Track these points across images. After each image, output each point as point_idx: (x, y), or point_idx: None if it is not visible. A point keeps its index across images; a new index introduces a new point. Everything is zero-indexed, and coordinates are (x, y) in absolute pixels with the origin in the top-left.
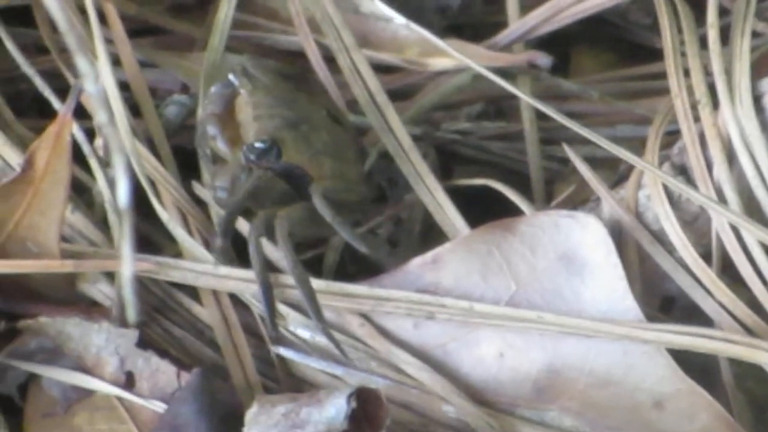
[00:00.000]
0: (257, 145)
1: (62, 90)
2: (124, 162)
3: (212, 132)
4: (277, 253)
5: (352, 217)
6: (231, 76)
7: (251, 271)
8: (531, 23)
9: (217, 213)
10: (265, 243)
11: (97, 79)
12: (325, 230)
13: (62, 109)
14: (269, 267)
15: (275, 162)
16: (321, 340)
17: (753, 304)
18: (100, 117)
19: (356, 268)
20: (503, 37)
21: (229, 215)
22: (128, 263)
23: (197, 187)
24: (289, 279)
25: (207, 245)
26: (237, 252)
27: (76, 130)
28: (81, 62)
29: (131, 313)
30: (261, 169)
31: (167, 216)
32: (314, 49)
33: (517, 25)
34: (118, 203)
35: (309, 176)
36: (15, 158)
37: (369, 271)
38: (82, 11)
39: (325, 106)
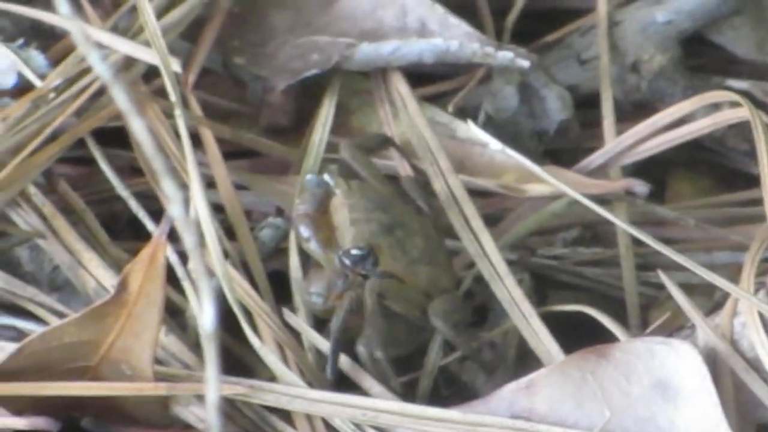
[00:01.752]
0: (354, 252)
1: (157, 212)
2: (208, 287)
3: (305, 234)
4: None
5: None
6: (326, 176)
7: (343, 395)
8: (627, 143)
9: (308, 338)
10: None
11: (187, 203)
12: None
13: (156, 231)
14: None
15: (372, 270)
16: None
17: None
18: (187, 241)
19: (450, 391)
20: (598, 157)
21: (336, 336)
22: (213, 388)
23: (289, 315)
24: (385, 403)
25: (300, 371)
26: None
27: (170, 253)
28: (168, 186)
29: None
30: (357, 276)
31: (259, 342)
32: (408, 172)
33: (613, 145)
34: (204, 328)
35: (407, 287)
36: (109, 280)
37: (462, 396)
38: (178, 135)
39: (415, 205)
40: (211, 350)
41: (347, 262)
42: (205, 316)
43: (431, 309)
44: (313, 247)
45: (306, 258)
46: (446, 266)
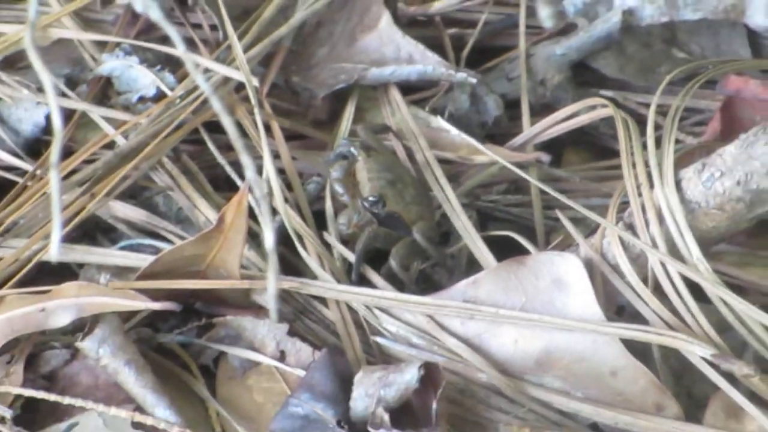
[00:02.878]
0: (371, 198)
1: (244, 174)
2: (270, 221)
3: (340, 190)
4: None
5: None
6: (352, 148)
7: (358, 288)
8: (537, 130)
9: (338, 251)
10: None
11: (261, 168)
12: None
13: (242, 185)
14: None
15: (382, 210)
16: (403, 333)
17: (673, 311)
18: (257, 192)
19: (425, 285)
20: (519, 139)
21: (362, 247)
22: (272, 285)
23: (326, 236)
24: (383, 293)
25: (332, 273)
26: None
27: (251, 199)
28: (243, 158)
29: (273, 315)
30: (372, 213)
31: (306, 254)
32: (401, 149)
33: (528, 133)
34: (266, 246)
35: (404, 220)
36: (212, 216)
37: (434, 288)
38: (257, 125)
39: (409, 167)
40: (272, 260)
41: (366, 204)
42: (266, 238)
43: (415, 229)
44: (344, 198)
45: (338, 204)
46: (428, 205)
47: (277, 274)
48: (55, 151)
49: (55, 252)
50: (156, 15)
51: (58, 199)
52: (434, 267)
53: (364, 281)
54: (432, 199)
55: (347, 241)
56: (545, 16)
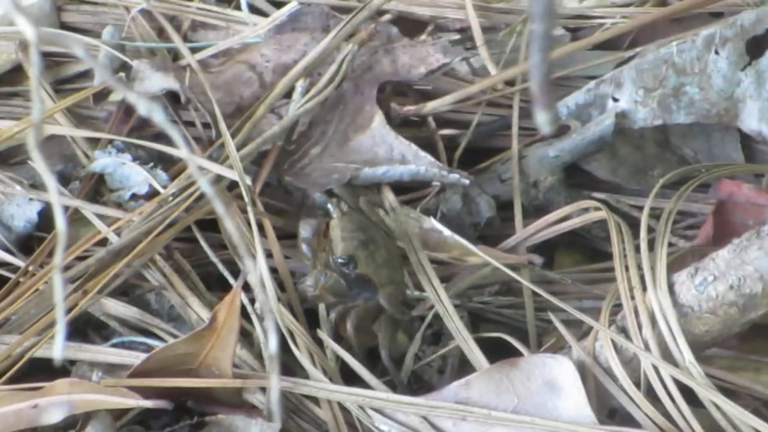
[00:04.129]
0: (341, 260)
1: (236, 272)
2: (273, 320)
3: (306, 251)
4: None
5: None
6: (329, 205)
7: (351, 388)
8: (529, 232)
9: (330, 348)
10: None
11: (255, 267)
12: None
13: (235, 285)
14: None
15: (352, 271)
16: None
17: (666, 414)
18: (258, 292)
19: (417, 386)
20: (511, 241)
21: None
22: (275, 383)
23: (320, 334)
24: (376, 393)
25: (325, 372)
26: (344, 375)
27: (244, 298)
28: (246, 258)
29: (276, 416)
30: (342, 275)
31: (299, 353)
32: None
33: (520, 234)
34: (269, 346)
35: (373, 282)
36: (205, 314)
37: (425, 389)
38: (249, 223)
39: (383, 228)
40: (274, 361)
41: (336, 265)
42: (270, 339)
43: (381, 293)
44: (308, 262)
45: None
46: (399, 268)
47: (278, 375)
48: (59, 253)
49: (59, 352)
50: (159, 118)
51: (62, 301)
52: (425, 367)
53: (355, 380)
54: (403, 262)
55: (313, 307)
56: (543, 121)
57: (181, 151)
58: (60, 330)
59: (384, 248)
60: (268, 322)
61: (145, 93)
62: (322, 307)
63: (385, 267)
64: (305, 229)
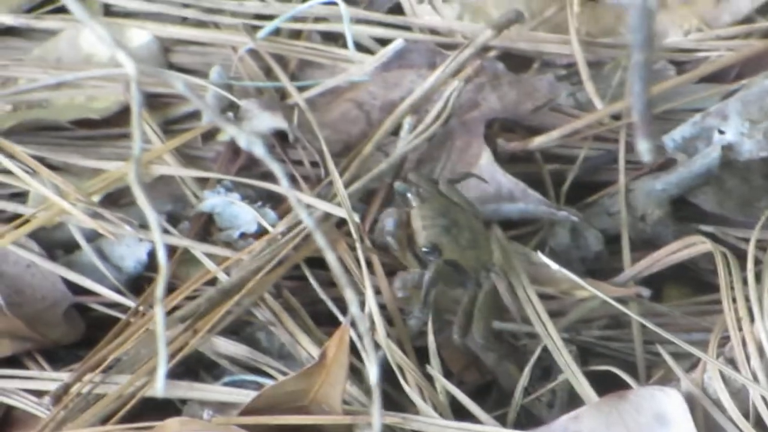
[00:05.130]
0: (424, 249)
1: (345, 309)
2: (373, 356)
3: (391, 242)
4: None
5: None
6: (409, 194)
7: (461, 422)
8: (638, 269)
9: (440, 384)
10: None
11: (363, 303)
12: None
13: (344, 320)
14: None
15: (438, 259)
16: None
17: None
18: (361, 327)
19: (528, 420)
20: (621, 277)
21: (426, 297)
22: (377, 421)
23: (429, 370)
24: (486, 428)
25: (435, 407)
26: (453, 411)
27: (353, 334)
28: (347, 293)
29: None
30: (429, 264)
31: (409, 389)
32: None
33: (630, 270)
34: (371, 380)
35: (461, 266)
36: (314, 351)
37: (537, 424)
38: (358, 261)
39: (466, 208)
40: (375, 395)
41: (422, 256)
42: (371, 373)
43: (475, 330)
44: (396, 253)
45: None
46: (485, 246)
47: (381, 409)
48: (159, 287)
49: (161, 387)
50: (260, 151)
51: (162, 334)
52: (536, 402)
53: (465, 415)
54: (489, 238)
55: (402, 309)
56: (644, 150)
57: (282, 186)
58: (161, 364)
59: (467, 229)
60: (370, 357)
61: (254, 132)
62: (431, 343)
63: (470, 248)
64: (388, 222)
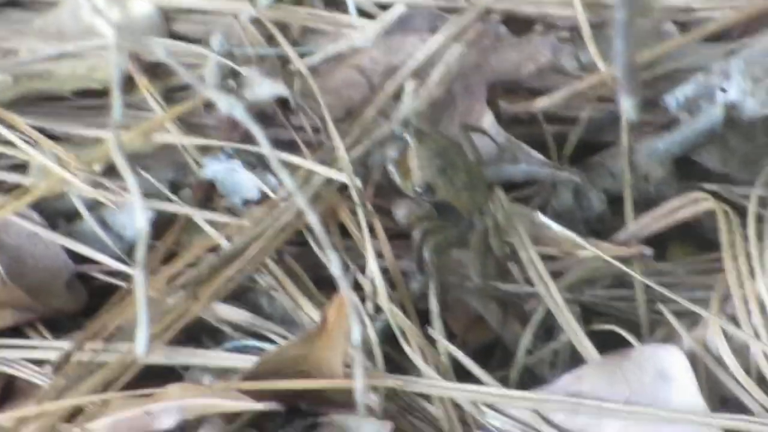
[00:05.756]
0: (418, 189)
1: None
2: (355, 311)
3: (392, 170)
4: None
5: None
6: (406, 134)
7: (463, 384)
8: (640, 225)
9: (442, 346)
10: None
11: (364, 269)
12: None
13: (344, 283)
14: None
15: (432, 198)
16: (509, 428)
17: None
18: (344, 288)
19: (531, 381)
20: (623, 235)
21: (420, 260)
22: (359, 384)
23: (431, 332)
24: (488, 389)
25: (437, 369)
26: (456, 373)
27: (355, 297)
28: (330, 255)
29: (379, 413)
30: (422, 202)
31: (410, 351)
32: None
33: (632, 226)
34: (352, 339)
35: (455, 207)
36: (315, 316)
37: (537, 383)
38: (360, 224)
39: (462, 149)
40: (358, 358)
41: (415, 195)
42: (353, 332)
43: (472, 271)
44: (397, 180)
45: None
46: (481, 187)
47: (364, 367)
48: (141, 250)
49: (142, 351)
50: (240, 114)
51: (144, 298)
52: (539, 362)
53: (467, 378)
54: (485, 180)
55: (407, 234)
56: (628, 107)
57: (263, 149)
58: (142, 328)
59: (463, 171)
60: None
61: (256, 100)
62: (434, 306)
63: (465, 190)
64: (393, 150)
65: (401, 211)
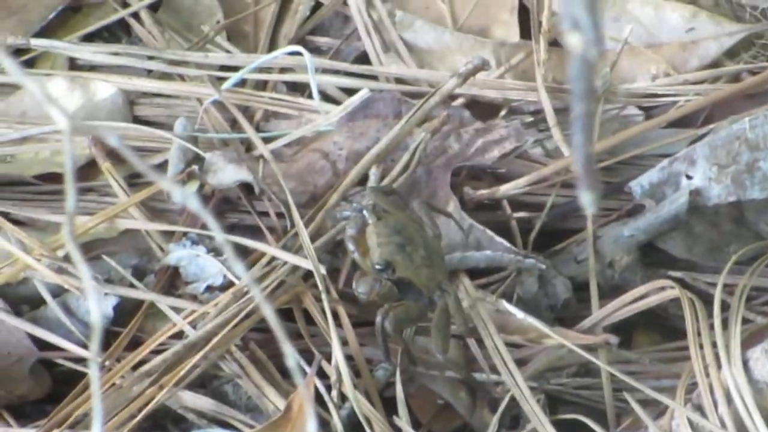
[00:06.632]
0: (377, 266)
1: (311, 360)
2: (311, 404)
3: (351, 248)
4: None
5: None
6: (365, 212)
7: None
8: (606, 313)
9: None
10: None
11: (329, 357)
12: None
13: (310, 372)
14: None
15: (392, 276)
16: None
17: None
18: (333, 378)
19: None
20: (588, 322)
21: (381, 325)
22: None
23: (396, 421)
24: None
25: None
26: None
27: (320, 385)
28: (286, 347)
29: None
30: (383, 280)
31: None
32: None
33: (597, 314)
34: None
35: (414, 284)
36: (281, 404)
37: None
38: (325, 312)
39: (421, 225)
40: None
41: (375, 272)
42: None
43: (434, 346)
44: (356, 257)
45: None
46: (440, 264)
47: None
48: (94, 342)
49: None
50: (193, 205)
51: (98, 391)
52: None
53: None
54: (443, 257)
55: (366, 308)
56: (587, 202)
57: (217, 237)
58: (97, 416)
59: (422, 247)
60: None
61: (219, 185)
62: (399, 393)
63: (424, 266)
64: (351, 227)
65: (362, 288)
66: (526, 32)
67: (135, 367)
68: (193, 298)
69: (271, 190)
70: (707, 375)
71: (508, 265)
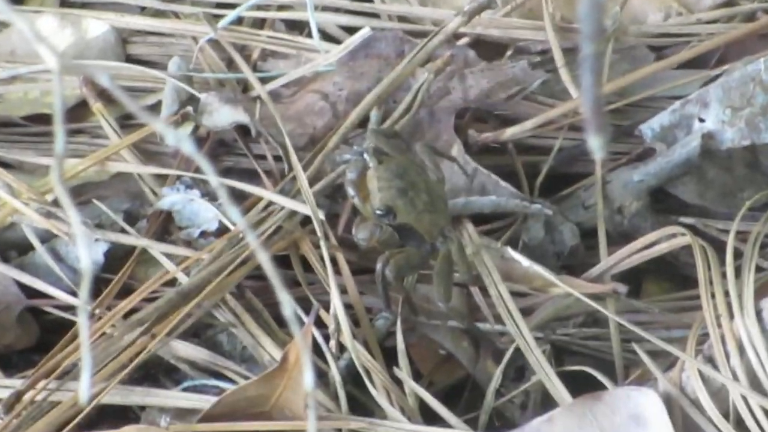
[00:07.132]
0: (378, 212)
1: (309, 308)
2: (308, 355)
3: (351, 193)
4: None
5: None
6: (365, 155)
7: (429, 427)
8: (614, 261)
9: (408, 386)
10: None
11: (327, 306)
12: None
13: (307, 321)
14: None
15: (393, 221)
16: None
17: None
18: (331, 327)
19: (499, 423)
20: (596, 270)
21: (382, 273)
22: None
23: (397, 372)
24: None
25: (403, 410)
26: (423, 415)
27: (318, 335)
28: (282, 295)
29: None
30: (384, 225)
31: (376, 392)
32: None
33: (605, 262)
34: (305, 383)
35: (416, 230)
36: (278, 355)
37: (509, 426)
38: (323, 259)
39: (423, 169)
40: (311, 402)
41: (375, 217)
42: (307, 379)
43: (436, 295)
44: (356, 202)
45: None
46: (443, 210)
47: (326, 409)
48: (84, 289)
49: (84, 396)
50: (188, 148)
51: (86, 340)
52: (508, 404)
53: (435, 418)
54: (447, 202)
55: (366, 254)
56: (595, 146)
57: (212, 181)
58: (85, 370)
59: (425, 192)
60: (305, 358)
61: (215, 127)
62: (400, 344)
63: (427, 212)
64: (351, 171)
65: (362, 235)
66: None
67: (126, 316)
68: (187, 244)
69: (268, 132)
70: (719, 325)
71: (514, 210)
